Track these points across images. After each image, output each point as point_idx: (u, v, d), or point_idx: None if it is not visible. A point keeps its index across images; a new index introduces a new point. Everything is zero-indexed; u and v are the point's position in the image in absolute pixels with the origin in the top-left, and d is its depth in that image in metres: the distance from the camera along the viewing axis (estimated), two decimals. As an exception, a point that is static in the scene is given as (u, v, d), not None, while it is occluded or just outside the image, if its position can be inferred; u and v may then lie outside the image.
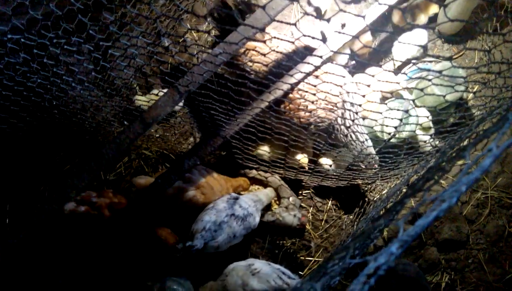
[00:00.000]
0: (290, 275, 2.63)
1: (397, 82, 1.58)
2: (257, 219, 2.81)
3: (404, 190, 2.54)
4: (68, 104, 2.58)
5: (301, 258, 3.18)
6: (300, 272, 3.12)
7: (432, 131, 2.68)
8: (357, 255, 1.05)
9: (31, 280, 2.81)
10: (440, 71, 1.48)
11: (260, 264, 2.66)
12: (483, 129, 1.47)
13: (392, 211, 1.10)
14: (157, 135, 3.16)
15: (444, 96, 1.68)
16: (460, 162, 3.21)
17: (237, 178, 3.05)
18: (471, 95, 3.07)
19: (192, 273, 2.85)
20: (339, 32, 1.30)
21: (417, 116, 2.37)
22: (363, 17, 1.28)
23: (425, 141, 2.58)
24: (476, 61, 3.27)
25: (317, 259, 3.17)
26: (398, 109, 1.78)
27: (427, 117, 2.58)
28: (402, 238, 0.70)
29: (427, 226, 0.71)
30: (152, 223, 2.82)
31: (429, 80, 1.56)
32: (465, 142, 1.57)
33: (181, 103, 2.92)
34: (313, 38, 1.41)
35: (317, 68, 1.57)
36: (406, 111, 1.68)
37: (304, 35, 1.40)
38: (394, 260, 0.68)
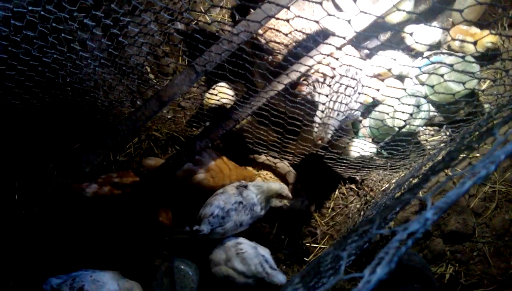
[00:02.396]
0: (272, 265, 2.62)
1: (417, 67, 1.58)
2: (263, 210, 2.81)
3: (415, 181, 2.55)
4: (82, 82, 2.58)
5: (307, 244, 3.19)
6: (305, 258, 3.14)
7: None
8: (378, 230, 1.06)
9: (41, 253, 2.85)
10: (463, 57, 1.48)
11: (247, 246, 2.67)
12: (503, 116, 1.47)
13: (416, 187, 1.10)
14: (168, 116, 3.16)
15: (463, 84, 1.68)
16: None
17: (247, 167, 3.06)
18: (484, 85, 3.07)
19: (198, 255, 2.87)
20: (364, 12, 1.30)
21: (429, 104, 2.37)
22: (391, -4, 1.27)
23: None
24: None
25: (322, 246, 3.18)
26: (415, 96, 1.77)
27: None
28: (437, 205, 0.71)
29: (462, 194, 0.72)
30: (157, 204, 2.83)
31: (451, 66, 1.55)
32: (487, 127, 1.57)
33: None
34: (338, 18, 1.41)
35: (339, 49, 1.57)
36: (425, 97, 1.68)
37: (329, 15, 1.39)
38: (430, 225, 0.69)
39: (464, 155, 1.15)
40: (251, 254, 2.61)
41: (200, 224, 2.50)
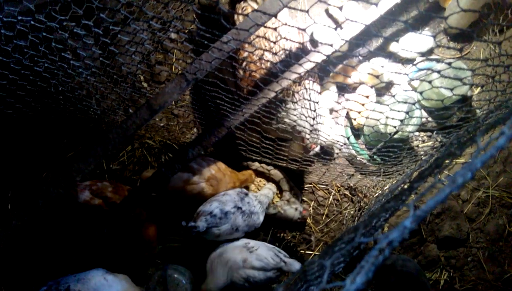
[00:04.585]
0: (285, 254, 2.67)
1: (405, 74, 1.59)
2: (261, 219, 2.81)
3: (406, 186, 2.55)
4: (74, 90, 2.57)
5: (301, 251, 3.19)
6: (300, 265, 3.13)
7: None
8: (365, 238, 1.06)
9: (33, 262, 2.83)
10: (449, 63, 1.49)
11: (255, 243, 2.69)
12: (491, 122, 1.48)
13: (401, 195, 1.11)
14: (161, 124, 3.16)
15: (452, 89, 1.69)
16: (461, 160, 3.23)
17: (243, 171, 3.06)
18: (477, 90, 3.08)
19: (192, 264, 2.86)
20: (352, 21, 1.31)
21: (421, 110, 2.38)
22: (376, 4, 1.28)
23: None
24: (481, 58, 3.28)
25: (317, 253, 3.18)
26: (405, 102, 1.78)
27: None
28: (416, 213, 0.71)
29: (441, 202, 0.72)
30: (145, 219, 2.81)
31: (438, 71, 1.56)
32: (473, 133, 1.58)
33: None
34: (324, 26, 1.42)
35: (327, 57, 1.58)
36: (414, 104, 1.69)
37: (316, 22, 1.40)
38: (407, 233, 0.69)
39: (448, 162, 1.15)
40: (264, 249, 2.62)
41: (196, 221, 2.48)
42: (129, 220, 2.68)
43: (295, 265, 2.57)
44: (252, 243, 2.69)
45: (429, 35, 1.48)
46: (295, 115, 2.44)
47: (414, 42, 3.01)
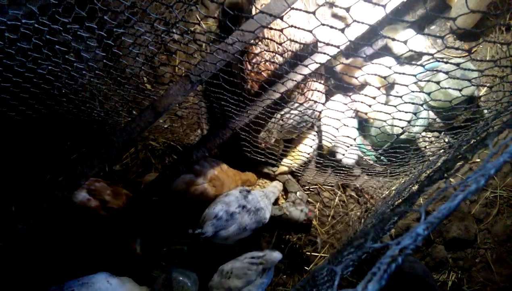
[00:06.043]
0: (258, 254, 2.59)
1: (413, 75, 1.57)
2: (268, 214, 2.79)
3: (415, 188, 2.53)
4: (77, 92, 2.56)
5: (307, 253, 3.16)
6: (305, 267, 3.11)
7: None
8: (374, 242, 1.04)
9: (38, 267, 2.82)
10: (458, 64, 1.46)
11: (229, 266, 2.63)
12: (501, 123, 1.45)
13: (410, 198, 1.08)
14: (165, 126, 3.15)
15: (460, 90, 1.66)
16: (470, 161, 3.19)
17: (245, 172, 3.04)
18: (483, 90, 3.05)
19: (197, 266, 2.84)
20: (357, 22, 1.29)
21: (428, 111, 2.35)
22: (384, 6, 1.26)
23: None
24: (488, 58, 3.24)
25: (323, 255, 3.15)
26: (412, 103, 1.76)
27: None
28: (428, 220, 0.69)
29: (454, 209, 0.70)
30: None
31: (446, 72, 1.54)
32: (484, 135, 1.55)
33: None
34: (331, 27, 1.39)
35: (332, 57, 1.56)
36: (422, 104, 1.66)
37: (323, 24, 1.38)
38: (420, 241, 0.67)
39: (460, 164, 1.13)
40: (238, 266, 2.57)
41: (202, 227, 2.45)
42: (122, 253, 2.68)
43: (273, 255, 2.50)
44: (226, 267, 2.62)
45: (437, 37, 1.45)
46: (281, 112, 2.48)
47: (418, 42, 2.99)
